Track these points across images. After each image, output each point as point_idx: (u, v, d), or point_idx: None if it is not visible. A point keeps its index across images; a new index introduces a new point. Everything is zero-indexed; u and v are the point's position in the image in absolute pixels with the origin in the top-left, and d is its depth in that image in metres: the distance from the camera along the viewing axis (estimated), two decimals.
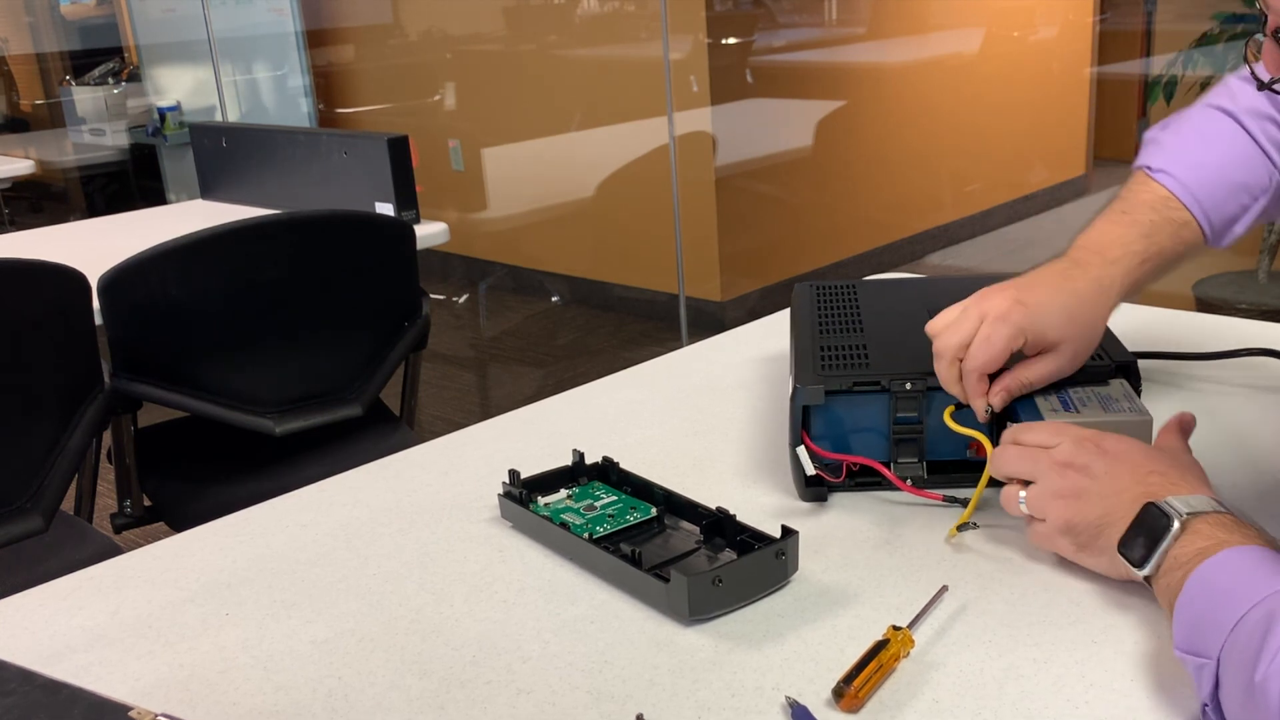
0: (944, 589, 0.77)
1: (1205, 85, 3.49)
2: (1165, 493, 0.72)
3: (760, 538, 0.80)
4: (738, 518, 0.83)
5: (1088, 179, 5.19)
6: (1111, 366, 0.93)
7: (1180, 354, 1.15)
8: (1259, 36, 0.74)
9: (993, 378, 0.88)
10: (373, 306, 1.85)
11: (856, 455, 0.91)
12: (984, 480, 0.85)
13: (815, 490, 0.92)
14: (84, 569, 0.89)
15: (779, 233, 4.33)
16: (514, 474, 0.92)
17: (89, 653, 0.78)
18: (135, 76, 5.19)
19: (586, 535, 0.84)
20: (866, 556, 0.83)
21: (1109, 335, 0.99)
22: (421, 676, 0.72)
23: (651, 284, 4.36)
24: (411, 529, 0.92)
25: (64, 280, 1.51)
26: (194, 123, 3.37)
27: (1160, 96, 3.59)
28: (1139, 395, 0.91)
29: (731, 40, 4.16)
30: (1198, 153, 0.96)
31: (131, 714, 0.60)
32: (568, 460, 0.96)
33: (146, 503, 1.84)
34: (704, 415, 1.12)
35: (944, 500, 0.88)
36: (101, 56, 5.34)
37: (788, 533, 0.79)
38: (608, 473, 0.94)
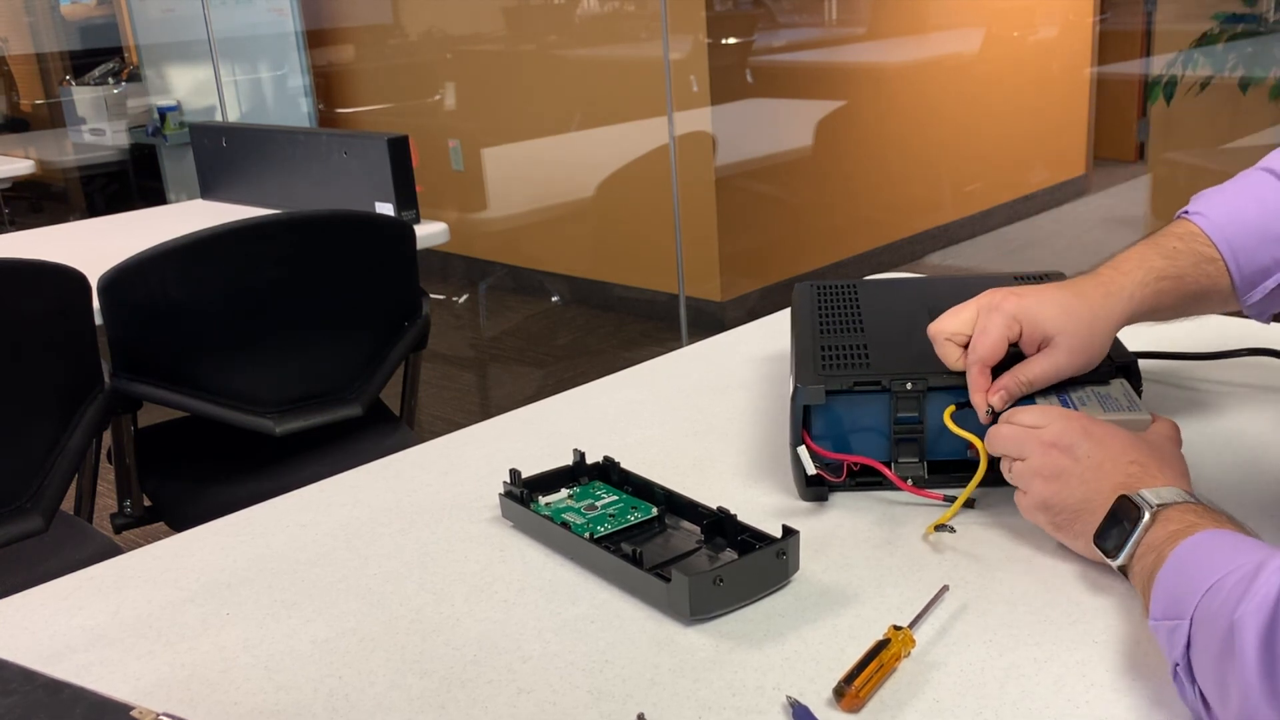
0: (945, 588, 0.77)
1: (1205, 85, 3.50)
2: (1141, 484, 0.75)
3: (761, 537, 0.80)
4: (738, 517, 0.83)
5: (1088, 179, 5.19)
6: (1111, 366, 0.93)
7: (1180, 354, 1.15)
8: None
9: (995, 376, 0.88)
10: (373, 306, 1.85)
11: (857, 455, 0.91)
12: (972, 484, 0.85)
13: (816, 490, 0.92)
14: (84, 569, 0.89)
15: (779, 233, 4.33)
16: (515, 473, 0.92)
17: (89, 652, 0.78)
18: (135, 76, 5.19)
19: (587, 535, 0.84)
20: (867, 556, 0.83)
21: None
22: (422, 676, 0.72)
23: (651, 284, 4.36)
24: (411, 529, 0.92)
25: (64, 280, 1.51)
26: (194, 123, 3.37)
27: (1160, 96, 3.59)
28: (1139, 395, 0.91)
29: (731, 40, 4.16)
30: (1236, 202, 0.95)
31: (133, 714, 0.60)
32: (568, 460, 0.96)
33: (146, 503, 1.84)
34: (704, 415, 1.12)
35: (944, 500, 0.88)
36: (101, 56, 5.34)
37: (788, 532, 0.79)
38: (608, 472, 0.94)
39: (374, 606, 0.81)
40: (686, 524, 0.87)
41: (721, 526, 0.84)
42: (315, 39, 4.99)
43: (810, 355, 0.96)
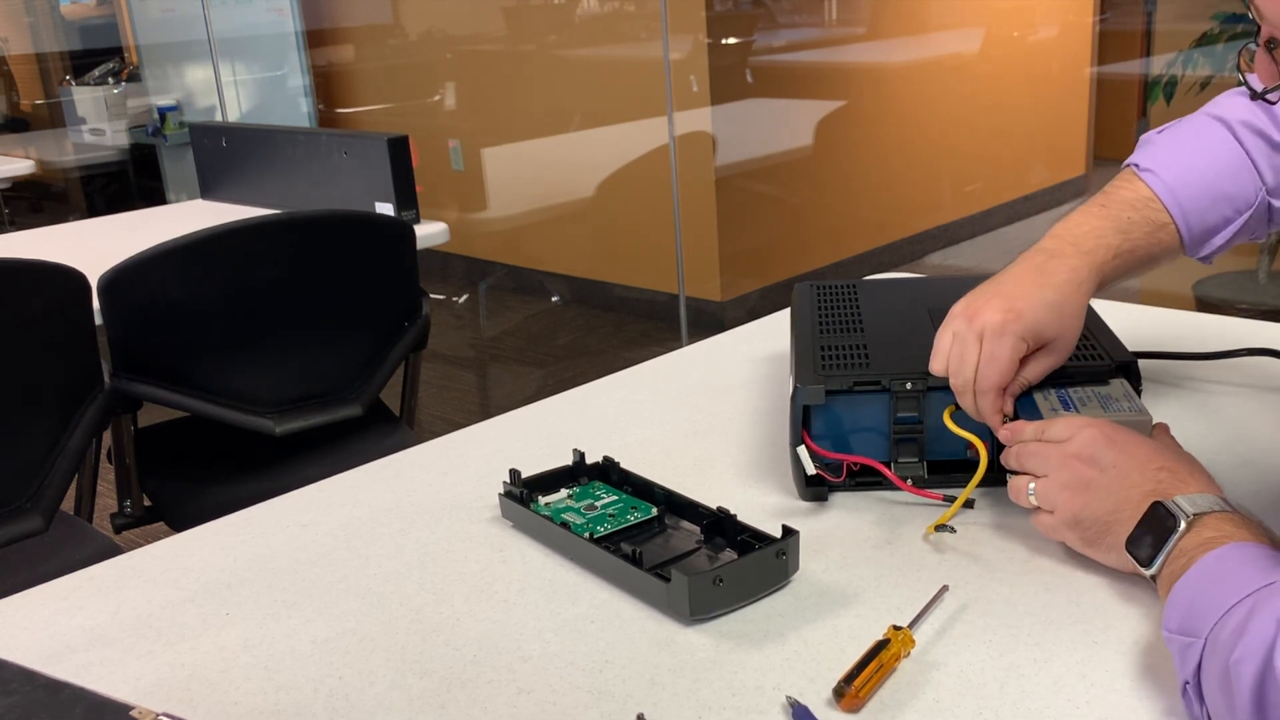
0: (944, 589, 0.77)
1: (1205, 85, 3.49)
2: (1173, 491, 0.73)
3: (761, 537, 0.80)
4: (738, 517, 0.83)
5: (1088, 179, 5.19)
6: (1111, 366, 0.93)
7: (1180, 354, 1.15)
8: (1251, 46, 0.74)
9: None
10: (373, 306, 1.85)
11: (857, 455, 0.91)
12: (972, 484, 0.85)
13: (816, 490, 0.92)
14: (84, 569, 0.89)
15: (779, 233, 4.33)
16: (515, 473, 0.92)
17: (89, 652, 0.78)
18: (135, 76, 5.19)
19: (587, 535, 0.84)
20: (867, 556, 0.83)
21: (1109, 335, 0.99)
22: (422, 676, 0.72)
23: (651, 284, 4.36)
24: (411, 529, 0.92)
25: (64, 280, 1.51)
26: (194, 123, 3.37)
27: (1160, 96, 3.59)
28: (1139, 395, 0.91)
29: (731, 40, 4.16)
30: (1188, 158, 0.95)
31: (133, 713, 0.60)
32: (568, 460, 0.96)
33: (146, 503, 1.84)
34: (704, 415, 1.12)
35: (944, 500, 0.88)
36: (101, 56, 5.34)
37: (788, 532, 0.79)
38: (608, 472, 0.94)
39: (374, 606, 0.81)
40: (686, 524, 0.87)
41: (721, 526, 0.84)
42: (315, 39, 4.99)
43: (810, 355, 0.96)
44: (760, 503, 0.93)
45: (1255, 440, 0.98)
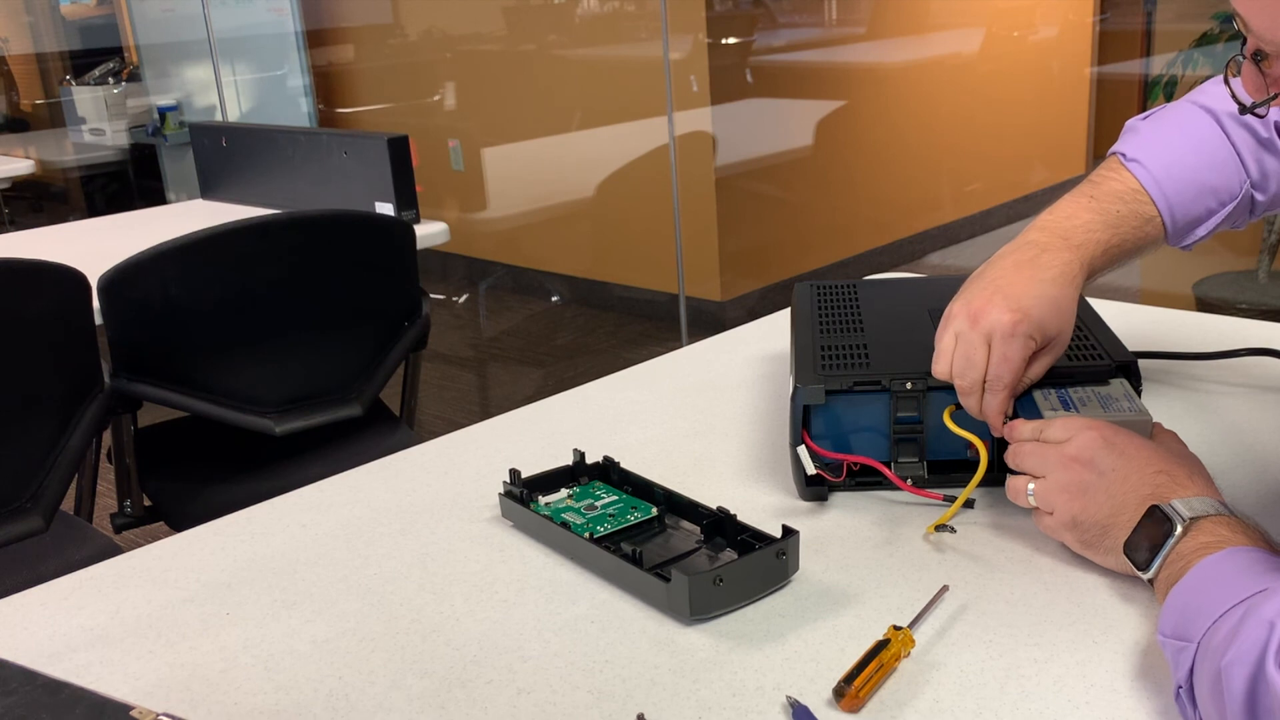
0: (944, 589, 0.77)
1: None
2: (1171, 494, 0.73)
3: (761, 537, 0.80)
4: (738, 517, 0.83)
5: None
6: (1111, 366, 0.93)
7: (1180, 354, 1.15)
8: (1239, 57, 0.73)
9: None
10: (373, 306, 1.85)
11: (857, 455, 0.91)
12: (972, 484, 0.85)
13: (816, 490, 0.92)
14: (84, 569, 0.89)
15: (779, 233, 4.33)
16: (515, 473, 0.92)
17: (90, 652, 0.78)
18: (135, 76, 5.19)
19: (587, 535, 0.84)
20: (867, 556, 0.83)
21: (1109, 335, 0.99)
22: (422, 676, 0.72)
23: (651, 284, 4.36)
24: (411, 529, 0.92)
25: (64, 280, 1.51)
26: (194, 122, 3.37)
27: (1160, 96, 3.59)
28: (1139, 395, 0.91)
29: (731, 40, 4.16)
30: (1175, 150, 0.95)
31: (133, 713, 0.60)
32: (568, 460, 0.96)
33: (146, 503, 1.84)
34: (704, 415, 1.12)
35: (944, 500, 0.88)
36: (101, 56, 5.34)
37: (788, 532, 0.79)
38: (608, 472, 0.94)
39: (374, 606, 0.81)
40: (686, 524, 0.87)
41: (721, 526, 0.84)
42: (315, 39, 4.99)
43: (810, 355, 0.96)
44: (760, 503, 0.93)
45: (1255, 440, 0.98)
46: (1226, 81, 0.75)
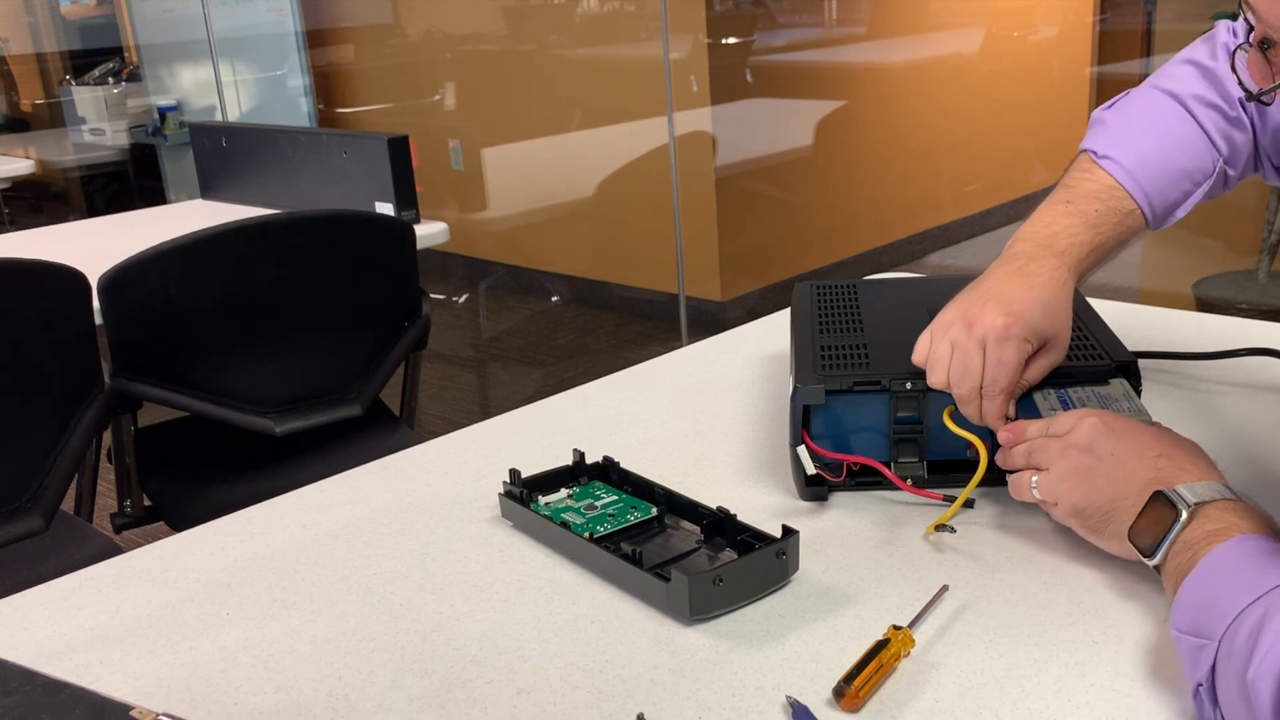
0: (944, 589, 0.77)
1: None
2: (1174, 478, 0.73)
3: (761, 537, 0.80)
4: (738, 517, 0.83)
5: None
6: (1111, 366, 0.93)
7: (1180, 354, 1.15)
8: (1245, 45, 0.74)
9: None
10: (373, 306, 1.85)
11: (857, 455, 0.91)
12: (972, 484, 0.85)
13: (815, 490, 0.92)
14: (84, 569, 0.89)
15: (779, 233, 4.33)
16: (515, 473, 0.92)
17: (90, 652, 0.78)
18: (135, 76, 5.19)
19: (587, 535, 0.84)
20: (867, 556, 0.83)
21: (1109, 335, 0.99)
22: (422, 676, 0.72)
23: (651, 284, 4.36)
24: (411, 529, 0.92)
25: (64, 280, 1.51)
26: (194, 122, 3.37)
27: None
28: (1139, 395, 0.91)
29: (731, 40, 4.16)
30: (1144, 139, 0.96)
31: (133, 713, 0.60)
32: (568, 460, 0.96)
33: (146, 503, 1.84)
34: (704, 415, 1.12)
35: (944, 500, 0.88)
36: (101, 56, 5.34)
37: (788, 532, 0.79)
38: (608, 472, 0.94)
39: (374, 606, 0.81)
40: (686, 524, 0.87)
41: (721, 526, 0.84)
42: (315, 39, 4.99)
43: (810, 355, 0.96)
44: (760, 503, 0.93)
45: (1255, 439, 0.98)
46: (1233, 68, 0.75)
